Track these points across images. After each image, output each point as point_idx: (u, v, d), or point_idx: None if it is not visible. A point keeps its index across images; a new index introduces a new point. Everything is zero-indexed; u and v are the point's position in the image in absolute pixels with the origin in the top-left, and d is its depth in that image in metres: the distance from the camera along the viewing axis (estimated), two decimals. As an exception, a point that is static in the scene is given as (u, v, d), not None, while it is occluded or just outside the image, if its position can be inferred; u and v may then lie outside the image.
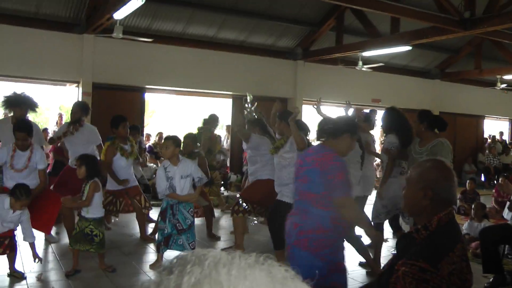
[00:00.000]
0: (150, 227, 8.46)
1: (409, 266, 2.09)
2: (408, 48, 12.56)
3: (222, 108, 16.12)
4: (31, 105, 7.49)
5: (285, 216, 6.57)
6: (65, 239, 7.40)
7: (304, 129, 6.71)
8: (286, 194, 6.31)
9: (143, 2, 8.69)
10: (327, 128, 4.17)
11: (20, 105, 7.29)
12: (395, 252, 2.56)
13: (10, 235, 5.74)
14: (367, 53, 13.39)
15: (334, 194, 3.83)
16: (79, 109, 8.13)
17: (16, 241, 5.89)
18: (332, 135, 4.08)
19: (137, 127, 10.15)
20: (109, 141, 7.52)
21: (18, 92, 7.45)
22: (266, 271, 0.95)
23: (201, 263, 0.94)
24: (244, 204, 7.07)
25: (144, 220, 7.99)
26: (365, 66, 14.05)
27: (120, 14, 9.69)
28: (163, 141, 7.23)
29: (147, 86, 13.44)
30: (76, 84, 12.73)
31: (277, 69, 14.80)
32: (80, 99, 11.76)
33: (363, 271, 6.63)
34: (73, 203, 6.18)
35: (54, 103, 26.16)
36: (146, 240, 7.76)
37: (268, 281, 0.93)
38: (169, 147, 6.15)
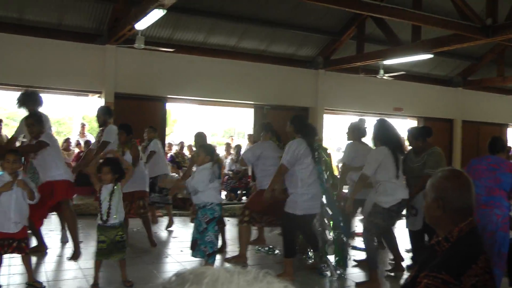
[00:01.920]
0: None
1: (432, 279, 2.06)
2: (429, 56, 12.45)
3: (244, 118, 16.15)
4: (36, 101, 7.64)
5: (296, 227, 6.61)
6: (89, 248, 7.47)
7: (310, 133, 6.71)
8: (293, 206, 6.37)
9: (165, 12, 8.75)
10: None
11: (26, 103, 7.48)
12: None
13: (19, 237, 5.60)
14: (388, 62, 13.32)
15: None
16: (101, 114, 8.42)
17: (28, 245, 5.84)
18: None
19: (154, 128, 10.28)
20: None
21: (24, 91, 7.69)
22: None
23: (200, 282, 0.92)
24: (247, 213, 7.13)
25: (148, 224, 8.04)
26: (386, 75, 13.99)
27: (141, 25, 9.75)
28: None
29: (169, 96, 13.49)
30: (98, 94, 12.84)
31: (298, 78, 14.78)
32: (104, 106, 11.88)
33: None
34: None
35: (77, 113, 26.36)
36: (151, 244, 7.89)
37: None
38: (200, 154, 6.22)
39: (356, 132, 7.78)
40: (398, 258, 6.96)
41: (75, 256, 6.51)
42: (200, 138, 8.47)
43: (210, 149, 6.42)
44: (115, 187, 5.85)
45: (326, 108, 15.16)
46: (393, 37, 12.56)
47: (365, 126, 7.91)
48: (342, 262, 6.64)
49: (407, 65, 14.78)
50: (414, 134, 7.02)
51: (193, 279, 0.94)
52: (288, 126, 6.78)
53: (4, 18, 11.42)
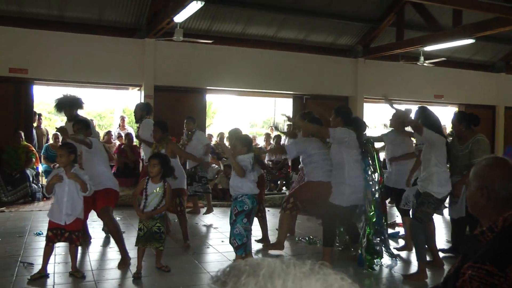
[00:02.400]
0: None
1: (476, 270, 2.03)
2: (471, 41, 12.20)
3: (283, 108, 16.13)
4: (76, 104, 7.76)
5: (336, 217, 6.58)
6: (131, 238, 7.58)
7: (360, 126, 6.67)
8: (338, 197, 6.35)
9: (203, 4, 8.78)
10: None
11: (65, 107, 7.61)
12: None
13: (71, 229, 5.74)
14: (428, 48, 13.12)
15: None
16: (138, 110, 8.60)
17: (79, 237, 5.95)
18: None
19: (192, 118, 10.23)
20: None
21: (63, 94, 7.80)
22: (322, 281, 0.92)
23: (256, 273, 0.92)
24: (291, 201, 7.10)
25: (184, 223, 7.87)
26: (427, 61, 13.78)
27: (180, 17, 9.81)
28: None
29: (208, 87, 13.55)
30: (138, 88, 12.98)
31: (337, 68, 14.68)
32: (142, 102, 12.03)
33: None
34: (138, 213, 6.14)
35: (117, 107, 26.74)
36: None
37: None
38: (237, 146, 6.20)
39: (400, 121, 7.73)
40: (435, 253, 6.78)
41: (124, 263, 6.39)
42: (235, 135, 8.40)
43: (246, 140, 6.38)
44: (159, 185, 5.99)
45: (366, 97, 15.04)
46: (433, 22, 12.35)
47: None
48: (371, 261, 6.51)
49: (448, 51, 14.53)
50: (458, 117, 6.91)
51: (249, 271, 0.93)
52: (333, 117, 6.69)
53: (45, 16, 11.67)
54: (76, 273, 5.81)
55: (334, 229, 6.65)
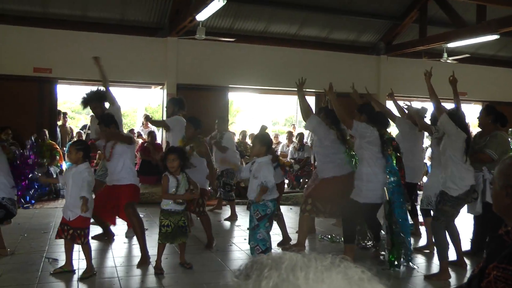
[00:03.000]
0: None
1: (501, 271, 2.00)
2: (495, 37, 12.05)
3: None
4: (103, 96, 7.78)
5: (358, 215, 6.55)
6: (154, 235, 7.62)
7: (383, 123, 6.64)
8: (358, 193, 6.33)
9: (225, 2, 8.79)
10: None
11: (93, 100, 7.61)
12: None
13: (74, 226, 5.71)
14: (452, 44, 13.01)
15: None
16: (171, 105, 8.61)
17: (86, 235, 5.87)
18: None
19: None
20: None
21: (91, 90, 7.82)
22: (342, 273, 0.94)
23: (278, 266, 0.93)
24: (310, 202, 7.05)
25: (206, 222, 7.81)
26: (450, 58, 13.65)
27: (202, 16, 9.85)
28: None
29: (230, 85, 13.59)
30: (161, 86, 13.07)
31: (360, 65, 14.62)
32: (165, 100, 12.12)
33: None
34: (173, 197, 6.13)
35: (140, 105, 26.89)
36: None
37: (345, 283, 0.92)
38: (255, 145, 6.16)
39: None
40: (460, 253, 6.68)
41: (143, 262, 6.40)
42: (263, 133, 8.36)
43: (266, 140, 6.30)
44: (181, 176, 6.01)
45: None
46: (457, 18, 12.24)
47: (425, 115, 7.84)
48: (397, 260, 6.45)
49: (471, 47, 14.41)
50: (487, 109, 6.87)
51: (272, 264, 0.95)
52: (357, 115, 6.67)
53: (69, 16, 11.84)
54: (84, 273, 5.77)
55: (354, 225, 6.62)
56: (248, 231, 6.17)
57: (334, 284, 0.91)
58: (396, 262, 6.33)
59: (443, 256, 6.02)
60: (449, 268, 6.04)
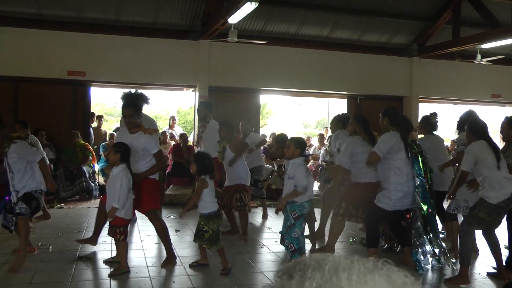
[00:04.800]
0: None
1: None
2: (531, 37, 11.88)
3: (337, 108, 16.04)
4: (141, 100, 7.74)
5: (379, 220, 6.51)
6: (186, 237, 7.69)
7: (407, 126, 6.60)
8: (387, 202, 6.31)
9: (257, 5, 8.81)
10: None
11: (131, 104, 7.52)
12: None
13: (113, 224, 5.90)
14: (486, 45, 12.80)
15: None
16: (202, 108, 8.75)
17: (124, 233, 5.97)
18: None
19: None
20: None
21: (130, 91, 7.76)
22: (385, 276, 0.94)
23: (321, 268, 0.95)
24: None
25: (244, 217, 8.02)
26: (484, 60, 13.44)
27: (234, 19, 9.88)
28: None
29: (262, 88, 13.61)
30: (193, 89, 13.14)
31: (392, 67, 14.52)
32: (197, 103, 12.21)
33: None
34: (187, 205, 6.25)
35: (172, 107, 27.06)
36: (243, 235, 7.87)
37: (388, 286, 0.93)
38: (290, 147, 6.20)
39: (428, 125, 7.82)
40: (500, 265, 6.45)
41: (169, 262, 6.47)
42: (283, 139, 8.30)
43: (301, 143, 6.37)
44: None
45: (421, 97, 14.83)
46: (491, 18, 12.07)
47: (436, 119, 7.90)
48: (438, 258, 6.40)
49: (506, 48, 14.19)
50: (510, 122, 6.48)
51: (315, 265, 0.96)
52: (381, 119, 6.67)
53: (102, 20, 12.03)
54: (116, 270, 5.89)
55: (377, 230, 6.59)
56: (279, 234, 6.23)
57: (377, 286, 0.92)
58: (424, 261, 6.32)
59: (465, 261, 5.87)
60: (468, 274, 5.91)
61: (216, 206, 6.17)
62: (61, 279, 5.64)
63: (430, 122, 7.88)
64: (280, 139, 8.18)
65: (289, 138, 6.92)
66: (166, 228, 6.55)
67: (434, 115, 8.05)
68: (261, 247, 7.53)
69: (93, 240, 6.92)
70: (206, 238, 6.04)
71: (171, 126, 14.68)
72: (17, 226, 6.26)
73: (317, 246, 7.45)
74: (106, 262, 6.26)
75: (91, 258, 6.46)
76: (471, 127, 6.05)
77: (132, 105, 6.27)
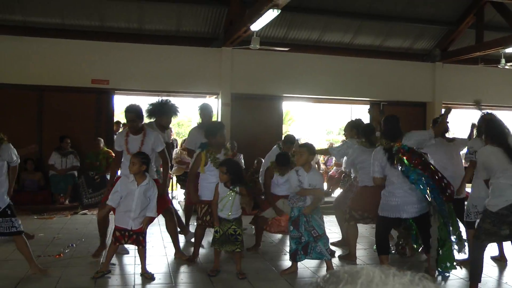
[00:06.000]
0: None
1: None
2: (555, 42, 11.72)
3: (360, 115, 15.93)
4: (171, 111, 7.93)
5: (388, 228, 6.48)
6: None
7: (394, 135, 6.54)
8: (381, 207, 6.30)
9: (279, 12, 8.82)
10: None
11: (163, 114, 7.71)
12: None
13: (139, 231, 5.95)
14: (510, 50, 12.66)
15: None
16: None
17: (145, 239, 6.10)
18: None
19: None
20: (200, 150, 6.78)
21: (161, 100, 7.80)
22: None
23: (354, 281, 0.93)
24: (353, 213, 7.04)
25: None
26: (508, 64, 13.30)
27: (256, 26, 9.90)
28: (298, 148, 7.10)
29: (285, 95, 13.60)
30: (215, 96, 13.17)
31: (415, 73, 14.41)
32: (219, 110, 12.26)
33: None
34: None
35: (194, 115, 27.13)
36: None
37: None
38: (303, 154, 6.20)
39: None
40: None
41: (179, 255, 6.89)
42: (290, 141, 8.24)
43: (314, 149, 6.42)
44: (230, 189, 6.10)
45: (444, 102, 14.65)
46: (515, 22, 11.94)
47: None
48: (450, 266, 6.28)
49: (531, 53, 14.01)
50: None
51: (348, 279, 0.94)
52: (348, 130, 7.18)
53: (125, 29, 12.15)
54: (146, 274, 5.99)
55: (386, 237, 6.50)
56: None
57: None
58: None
59: (474, 277, 5.59)
60: None
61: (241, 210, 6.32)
62: (86, 284, 5.71)
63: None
64: (288, 140, 8.18)
65: (300, 143, 6.92)
66: (177, 229, 7.10)
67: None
68: (284, 254, 7.52)
69: (104, 246, 7.04)
70: (239, 241, 6.12)
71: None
72: (16, 245, 5.95)
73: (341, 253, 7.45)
74: (142, 274, 6.09)
75: (116, 264, 6.51)
76: (487, 131, 5.85)
77: (134, 112, 6.59)
